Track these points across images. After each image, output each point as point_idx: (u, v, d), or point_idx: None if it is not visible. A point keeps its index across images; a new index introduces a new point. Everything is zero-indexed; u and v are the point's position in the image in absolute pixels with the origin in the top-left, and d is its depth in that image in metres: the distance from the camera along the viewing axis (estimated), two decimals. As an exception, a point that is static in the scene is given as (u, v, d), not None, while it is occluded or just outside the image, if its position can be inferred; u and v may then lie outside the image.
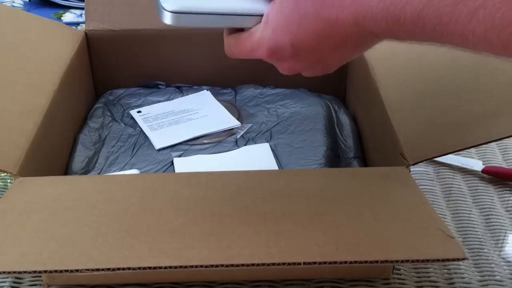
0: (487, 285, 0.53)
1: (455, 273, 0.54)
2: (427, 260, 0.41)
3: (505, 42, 0.32)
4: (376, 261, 0.41)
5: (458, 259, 0.41)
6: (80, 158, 0.66)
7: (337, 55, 0.42)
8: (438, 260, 0.41)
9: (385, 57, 0.67)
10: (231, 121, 0.73)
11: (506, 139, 0.70)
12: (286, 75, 0.72)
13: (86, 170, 0.65)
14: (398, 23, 0.37)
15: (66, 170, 0.66)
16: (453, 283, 0.53)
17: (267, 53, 0.43)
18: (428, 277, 0.54)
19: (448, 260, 0.41)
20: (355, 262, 0.40)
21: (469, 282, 0.53)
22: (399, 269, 0.55)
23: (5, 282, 0.54)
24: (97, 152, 0.68)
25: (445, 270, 0.55)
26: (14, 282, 0.54)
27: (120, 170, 0.65)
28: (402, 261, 0.41)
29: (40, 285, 0.53)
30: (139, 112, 0.75)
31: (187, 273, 0.53)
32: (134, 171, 0.63)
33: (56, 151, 0.64)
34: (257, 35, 0.43)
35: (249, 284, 0.53)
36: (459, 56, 0.61)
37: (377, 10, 0.37)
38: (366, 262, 0.40)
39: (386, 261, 0.41)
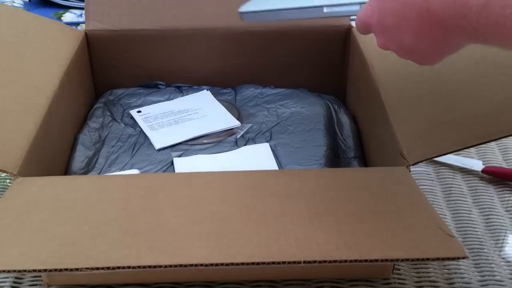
0: (487, 285, 0.53)
1: (455, 273, 0.54)
2: (427, 259, 0.41)
3: None
4: (376, 260, 0.41)
5: (459, 258, 0.41)
6: (80, 158, 0.66)
7: (418, 43, 0.43)
8: (438, 259, 0.41)
9: (385, 57, 0.67)
10: (231, 121, 0.73)
11: (506, 139, 0.70)
12: (285, 75, 0.73)
13: (86, 170, 0.65)
14: (464, 9, 0.36)
15: (66, 170, 0.66)
16: (453, 283, 0.53)
17: (360, 26, 0.47)
18: (428, 277, 0.54)
19: (448, 259, 0.41)
20: (355, 260, 0.40)
21: (469, 282, 0.53)
22: (399, 269, 0.55)
23: (5, 282, 0.54)
24: (97, 152, 0.68)
25: (445, 270, 0.55)
26: (14, 282, 0.54)
27: (120, 170, 0.65)
28: (402, 260, 0.41)
29: (40, 285, 0.53)
30: (139, 112, 0.75)
31: (187, 273, 0.53)
32: (134, 171, 0.63)
33: (56, 151, 0.64)
34: (360, 12, 0.47)
35: (249, 284, 0.53)
36: (459, 55, 0.61)
37: None
38: (366, 260, 0.40)
39: (386, 260, 0.41)
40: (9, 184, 0.64)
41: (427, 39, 0.42)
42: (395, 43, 0.44)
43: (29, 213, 0.46)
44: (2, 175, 0.67)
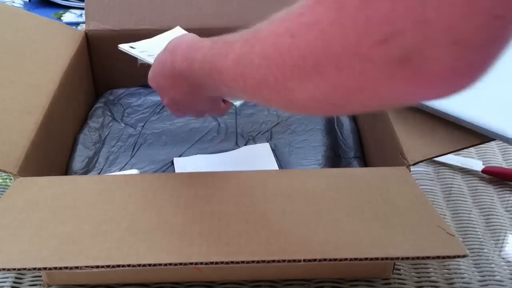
0: (487, 285, 0.53)
1: (455, 273, 0.54)
2: (428, 257, 0.41)
3: (256, 81, 0.35)
4: (377, 258, 0.41)
5: (459, 256, 0.41)
6: (80, 158, 0.66)
7: (177, 95, 0.50)
8: (438, 257, 0.41)
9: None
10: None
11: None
12: None
13: (86, 170, 0.65)
14: (193, 63, 0.44)
15: (66, 170, 0.66)
16: (453, 283, 0.53)
17: (150, 84, 0.54)
18: (428, 277, 0.54)
19: (449, 257, 0.41)
20: (355, 259, 0.40)
21: (469, 282, 0.53)
22: (399, 269, 0.55)
23: (5, 282, 0.54)
24: (97, 152, 0.68)
25: (445, 270, 0.55)
26: (14, 282, 0.54)
27: (120, 170, 0.65)
28: (403, 259, 0.41)
29: (40, 285, 0.53)
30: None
31: (187, 273, 0.53)
32: (134, 171, 0.63)
33: (56, 151, 0.64)
34: (150, 71, 0.54)
35: (249, 284, 0.53)
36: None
37: (182, 51, 0.46)
38: (366, 259, 0.40)
39: (387, 258, 0.41)
40: (9, 184, 0.64)
41: (186, 93, 0.49)
42: (168, 98, 0.52)
43: (29, 212, 0.46)
44: (2, 175, 0.67)
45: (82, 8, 1.05)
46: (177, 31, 0.67)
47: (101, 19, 0.77)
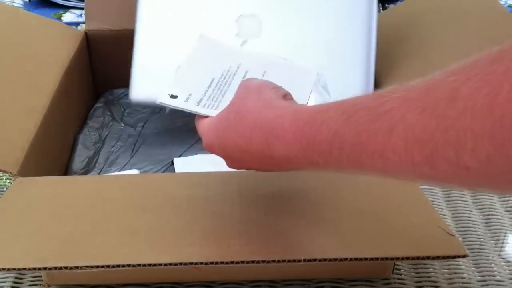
0: (487, 285, 0.53)
1: (455, 273, 0.54)
2: (428, 257, 0.41)
3: (429, 158, 0.27)
4: (377, 258, 0.41)
5: (459, 256, 0.41)
6: (80, 158, 0.66)
7: (265, 169, 0.41)
8: (438, 257, 0.41)
9: (385, 57, 0.67)
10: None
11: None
12: None
13: (86, 170, 0.65)
14: (313, 144, 0.34)
15: (66, 170, 0.66)
16: (453, 283, 0.53)
17: (204, 146, 0.43)
18: (428, 277, 0.54)
19: (448, 257, 0.41)
20: (355, 259, 0.40)
21: (469, 282, 0.53)
22: (399, 269, 0.55)
23: (5, 282, 0.54)
24: (97, 152, 0.68)
25: (445, 270, 0.55)
26: (14, 282, 0.54)
27: (120, 170, 0.65)
28: (403, 259, 0.41)
29: (40, 285, 0.53)
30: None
31: (187, 273, 0.53)
32: (134, 171, 0.63)
33: (56, 151, 0.64)
34: (203, 125, 0.44)
35: (249, 284, 0.53)
36: (459, 53, 0.61)
37: (290, 130, 0.35)
38: (366, 259, 0.40)
39: (387, 258, 0.41)
40: (8, 184, 0.64)
41: (274, 168, 0.40)
42: (242, 167, 0.42)
43: (29, 212, 0.46)
44: (2, 175, 0.67)
45: (82, 8, 1.05)
46: (206, 43, 0.52)
47: (101, 19, 0.77)
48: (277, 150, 0.36)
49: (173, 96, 0.45)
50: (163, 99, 0.44)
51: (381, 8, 1.10)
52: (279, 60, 0.51)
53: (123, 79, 0.80)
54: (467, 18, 0.65)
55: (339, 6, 0.65)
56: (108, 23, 0.76)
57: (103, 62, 0.80)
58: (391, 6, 1.12)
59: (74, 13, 1.06)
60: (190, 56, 0.49)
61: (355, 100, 0.33)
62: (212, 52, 0.49)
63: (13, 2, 1.09)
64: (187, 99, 0.45)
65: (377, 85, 0.63)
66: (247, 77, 0.47)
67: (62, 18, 1.05)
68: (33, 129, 0.56)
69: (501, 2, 1.09)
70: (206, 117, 0.43)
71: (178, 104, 0.44)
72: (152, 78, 0.65)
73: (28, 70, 0.64)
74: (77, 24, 1.03)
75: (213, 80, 0.46)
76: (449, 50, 0.62)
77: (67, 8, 1.07)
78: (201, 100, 0.45)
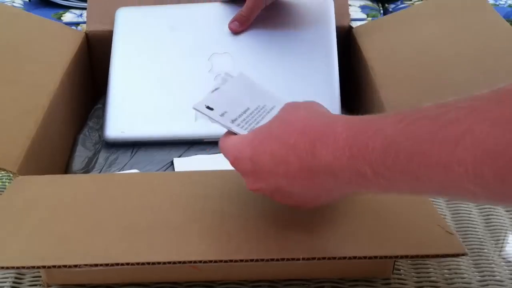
0: (487, 285, 0.53)
1: (455, 273, 0.54)
2: (427, 256, 0.41)
3: (501, 172, 0.26)
4: (376, 257, 0.41)
5: (458, 255, 0.41)
6: (80, 158, 0.66)
7: (295, 189, 0.38)
8: (438, 256, 0.41)
9: (385, 58, 0.67)
10: None
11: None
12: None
13: (86, 170, 0.65)
14: (365, 152, 0.32)
15: (66, 170, 0.66)
16: (453, 283, 0.53)
17: (231, 160, 0.41)
18: (428, 277, 0.54)
19: (447, 255, 0.41)
20: (354, 257, 0.40)
21: (469, 282, 0.53)
22: (399, 269, 0.55)
23: (5, 282, 0.54)
24: (97, 153, 0.68)
25: (445, 270, 0.55)
26: (14, 282, 0.54)
27: (119, 171, 0.65)
28: (402, 257, 0.41)
29: (40, 285, 0.53)
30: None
31: (187, 272, 0.53)
32: (134, 171, 0.63)
33: (56, 151, 0.64)
34: (232, 140, 0.42)
35: (250, 284, 0.53)
36: (458, 52, 0.62)
37: (341, 135, 0.33)
38: (365, 257, 0.40)
39: (386, 257, 0.41)
40: (8, 183, 0.64)
41: (309, 185, 0.37)
42: (269, 187, 0.39)
43: (28, 211, 0.46)
44: (2, 174, 0.67)
45: (82, 8, 1.05)
46: (245, 78, 0.51)
47: (101, 20, 0.77)
48: (323, 157, 0.34)
49: (209, 108, 0.45)
50: (200, 107, 0.45)
51: (381, 8, 1.10)
52: None
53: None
54: (468, 27, 0.66)
55: (304, 42, 0.71)
56: (108, 23, 0.77)
57: (104, 63, 0.79)
58: (391, 6, 1.12)
59: (74, 13, 1.06)
60: (228, 83, 0.49)
61: (413, 110, 0.31)
62: (249, 88, 0.50)
63: (13, 2, 1.09)
64: (222, 115, 0.45)
65: (375, 91, 0.63)
66: None
67: (62, 18, 1.05)
68: (33, 129, 0.56)
69: (501, 2, 1.09)
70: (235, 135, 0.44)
71: (213, 115, 0.45)
72: (127, 117, 0.67)
73: (28, 70, 0.64)
74: (77, 24, 1.03)
75: (248, 109, 0.47)
76: (448, 59, 0.62)
77: (67, 8, 1.07)
78: (235, 119, 0.45)
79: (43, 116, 0.59)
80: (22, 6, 1.08)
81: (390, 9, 1.11)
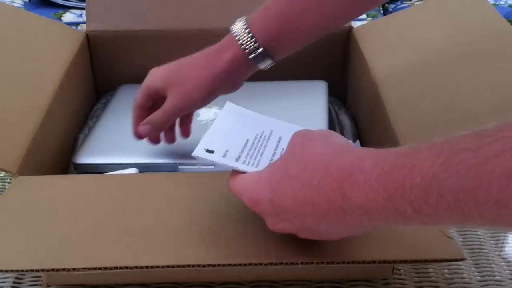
0: (487, 285, 0.53)
1: (455, 273, 0.54)
2: (426, 260, 0.41)
3: None
4: (374, 261, 0.41)
5: (457, 260, 0.41)
6: (80, 158, 0.66)
7: (324, 226, 0.36)
8: (436, 261, 0.41)
9: (385, 57, 0.67)
10: None
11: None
12: (286, 76, 0.71)
13: (86, 170, 0.65)
14: (402, 191, 0.29)
15: (66, 170, 0.65)
16: (453, 283, 0.53)
17: (248, 202, 0.39)
18: (428, 277, 0.54)
19: (446, 260, 0.41)
20: (353, 262, 0.40)
21: (469, 282, 0.53)
22: (399, 269, 0.54)
23: (5, 282, 0.54)
24: (97, 152, 0.68)
25: (445, 270, 0.55)
26: (14, 282, 0.54)
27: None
28: (401, 261, 0.41)
29: (40, 285, 0.53)
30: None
31: (187, 273, 0.53)
32: (133, 170, 0.63)
33: (56, 151, 0.64)
34: (246, 180, 0.40)
35: (249, 284, 0.53)
36: (458, 53, 0.62)
37: (372, 174, 0.31)
38: (364, 262, 0.40)
39: (385, 261, 0.41)
40: (8, 184, 0.64)
41: (340, 223, 0.35)
42: (294, 226, 0.37)
43: (28, 212, 0.46)
44: (2, 174, 0.67)
45: (82, 8, 1.05)
46: (233, 108, 0.50)
47: (102, 19, 0.77)
48: (354, 199, 0.32)
49: (209, 151, 0.43)
50: (200, 153, 0.42)
51: (381, 8, 1.10)
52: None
53: (124, 80, 0.80)
54: (468, 28, 0.66)
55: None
56: (109, 24, 0.77)
57: (104, 63, 0.80)
58: (391, 6, 1.12)
59: (74, 13, 1.06)
60: (219, 118, 0.47)
61: (450, 140, 0.29)
62: (241, 117, 0.48)
63: (13, 2, 1.09)
64: (224, 155, 0.43)
65: (375, 91, 0.63)
66: (282, 142, 0.46)
67: (62, 18, 1.05)
68: (33, 129, 0.56)
69: (501, 2, 1.09)
70: (244, 173, 0.41)
71: (216, 159, 0.42)
72: (100, 149, 0.65)
73: (28, 70, 0.64)
74: (77, 24, 1.03)
75: (247, 140, 0.45)
76: (448, 59, 0.62)
77: (67, 8, 1.07)
78: (239, 157, 0.43)
79: (43, 116, 0.59)
80: (22, 6, 1.08)
81: (390, 9, 1.11)
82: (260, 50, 0.51)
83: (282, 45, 0.52)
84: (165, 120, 0.56)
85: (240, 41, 0.51)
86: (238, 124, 0.47)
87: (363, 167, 0.32)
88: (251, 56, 0.52)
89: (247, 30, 0.51)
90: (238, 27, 0.52)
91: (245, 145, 0.45)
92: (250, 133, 0.46)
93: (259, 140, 0.46)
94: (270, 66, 0.54)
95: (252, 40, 0.51)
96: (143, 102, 0.56)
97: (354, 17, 0.56)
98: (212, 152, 0.43)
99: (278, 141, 0.46)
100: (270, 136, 0.46)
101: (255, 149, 0.45)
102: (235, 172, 0.42)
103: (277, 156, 0.44)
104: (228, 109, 0.49)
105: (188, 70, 0.54)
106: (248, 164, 0.42)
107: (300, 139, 0.38)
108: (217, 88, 0.54)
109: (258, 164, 0.43)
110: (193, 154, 0.42)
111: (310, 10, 0.50)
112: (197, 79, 0.53)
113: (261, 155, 0.44)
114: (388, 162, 0.31)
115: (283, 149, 0.44)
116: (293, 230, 0.38)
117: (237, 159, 0.43)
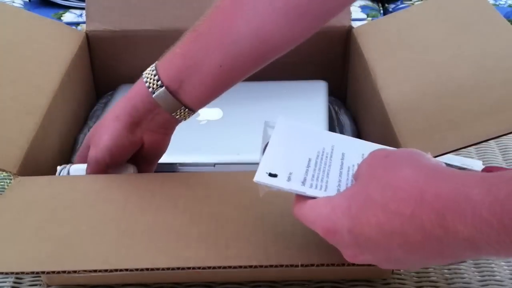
0: (487, 285, 0.53)
1: (455, 273, 0.54)
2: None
3: None
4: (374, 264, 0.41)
5: (457, 262, 0.41)
6: (80, 158, 0.66)
7: (415, 258, 0.33)
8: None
9: (385, 57, 0.67)
10: None
11: (506, 138, 0.70)
12: (286, 76, 0.71)
13: (86, 170, 0.65)
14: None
15: (66, 170, 0.65)
16: (453, 283, 0.53)
17: (322, 232, 0.36)
18: (428, 277, 0.54)
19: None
20: (353, 264, 0.40)
21: (469, 282, 0.53)
22: (399, 269, 0.55)
23: (5, 282, 0.54)
24: (97, 152, 0.68)
25: (445, 270, 0.55)
26: (15, 282, 0.54)
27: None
28: None
29: (40, 285, 0.53)
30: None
31: (186, 274, 0.53)
32: (131, 170, 0.63)
33: (56, 151, 0.64)
34: (318, 207, 0.37)
35: (249, 284, 0.53)
36: (458, 53, 0.61)
37: (483, 204, 0.27)
38: (363, 264, 0.40)
39: None
40: (8, 184, 0.64)
41: (433, 255, 0.32)
42: (376, 258, 0.35)
43: (28, 213, 0.46)
44: (2, 174, 0.67)
45: (82, 8, 1.05)
46: (287, 124, 0.45)
47: (101, 19, 0.77)
48: (459, 232, 0.29)
49: (272, 175, 0.39)
50: (262, 178, 0.39)
51: (381, 8, 1.10)
52: (371, 144, 0.45)
53: (124, 80, 0.80)
54: (468, 27, 0.66)
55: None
56: (108, 23, 0.77)
57: (104, 63, 0.80)
58: (391, 6, 1.12)
59: (74, 13, 1.06)
60: (274, 136, 0.43)
61: None
62: (297, 132, 0.45)
63: (13, 2, 1.09)
64: (289, 178, 0.39)
65: (375, 91, 0.63)
66: (346, 159, 0.42)
67: (62, 18, 1.05)
68: (33, 129, 0.56)
69: (501, 2, 1.09)
70: (311, 199, 0.38)
71: (280, 183, 0.39)
72: None
73: (28, 70, 0.64)
74: (77, 24, 1.03)
75: (310, 160, 0.42)
76: (448, 58, 0.62)
77: (67, 8, 1.07)
78: (305, 179, 0.40)
79: (43, 116, 0.59)
80: (22, 6, 1.08)
81: (390, 9, 1.11)
82: (162, 88, 0.49)
83: (188, 84, 0.49)
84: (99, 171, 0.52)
85: (145, 79, 0.50)
86: (296, 141, 0.44)
87: (470, 196, 0.28)
88: (154, 94, 0.49)
89: (153, 70, 0.50)
90: (148, 68, 0.51)
91: (308, 165, 0.41)
92: (311, 151, 0.42)
93: (321, 159, 0.42)
94: (189, 115, 0.51)
95: (155, 77, 0.49)
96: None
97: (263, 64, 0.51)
98: (275, 176, 0.39)
99: (342, 159, 0.43)
100: (332, 153, 0.43)
101: (319, 169, 0.41)
102: (301, 197, 0.39)
103: (344, 176, 0.41)
104: (281, 125, 0.45)
105: (101, 124, 0.53)
106: (316, 188, 0.39)
107: (381, 161, 0.35)
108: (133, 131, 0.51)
109: (326, 187, 0.39)
110: (255, 179, 0.39)
111: (213, 44, 0.47)
112: (106, 127, 0.52)
113: (327, 176, 0.41)
114: (504, 190, 0.27)
115: (349, 168, 0.41)
116: (375, 262, 0.35)
117: (303, 182, 0.39)
